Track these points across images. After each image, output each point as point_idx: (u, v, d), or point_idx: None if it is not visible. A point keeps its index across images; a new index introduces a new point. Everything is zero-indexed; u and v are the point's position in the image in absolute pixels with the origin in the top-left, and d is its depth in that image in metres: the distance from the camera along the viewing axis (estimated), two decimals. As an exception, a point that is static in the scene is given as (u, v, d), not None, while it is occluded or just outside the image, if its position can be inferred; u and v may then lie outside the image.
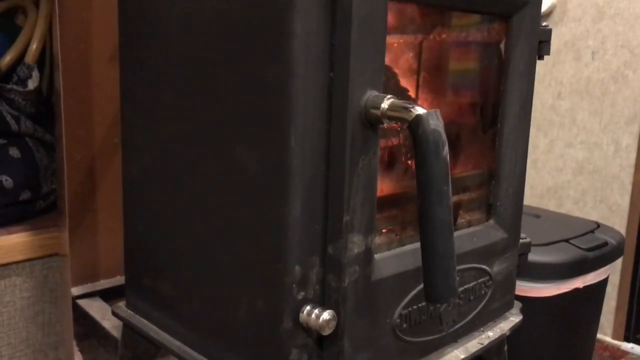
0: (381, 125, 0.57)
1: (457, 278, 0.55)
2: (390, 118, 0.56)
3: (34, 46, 1.03)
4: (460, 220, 0.75)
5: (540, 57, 0.78)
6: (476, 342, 0.74)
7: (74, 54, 0.90)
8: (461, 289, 0.71)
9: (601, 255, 1.17)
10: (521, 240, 0.80)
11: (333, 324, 0.57)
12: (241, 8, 0.59)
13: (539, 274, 1.11)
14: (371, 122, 0.57)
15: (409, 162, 0.68)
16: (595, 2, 1.76)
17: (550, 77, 1.89)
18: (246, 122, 0.59)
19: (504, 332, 0.77)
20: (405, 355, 0.66)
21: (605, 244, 1.20)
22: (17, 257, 0.90)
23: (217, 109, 0.62)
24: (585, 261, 1.14)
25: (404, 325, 0.64)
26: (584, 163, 1.83)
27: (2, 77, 1.02)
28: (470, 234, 0.73)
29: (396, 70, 0.69)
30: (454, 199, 0.73)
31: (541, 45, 0.77)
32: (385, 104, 0.56)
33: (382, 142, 0.64)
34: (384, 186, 0.66)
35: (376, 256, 0.62)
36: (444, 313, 0.69)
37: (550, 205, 1.90)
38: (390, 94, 0.56)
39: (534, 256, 1.08)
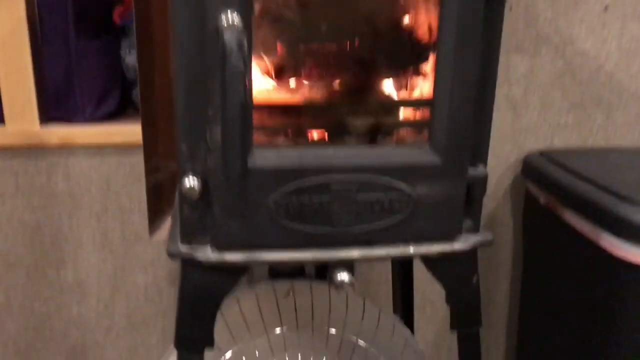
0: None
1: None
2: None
3: None
4: (388, 139, 0.80)
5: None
6: (383, 250, 0.80)
7: None
8: (360, 197, 0.78)
9: None
10: (472, 171, 0.80)
11: (194, 192, 0.75)
12: None
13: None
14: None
15: (311, 71, 0.78)
16: None
17: None
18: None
19: (428, 252, 0.80)
20: (287, 237, 0.78)
21: None
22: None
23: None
24: None
25: (282, 211, 0.77)
26: None
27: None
28: (385, 152, 0.78)
29: None
30: (377, 118, 0.80)
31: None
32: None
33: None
34: (274, 94, 0.78)
35: (256, 149, 0.76)
36: (334, 212, 0.78)
37: None
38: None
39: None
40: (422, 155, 0.78)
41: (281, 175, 0.76)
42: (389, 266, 1.34)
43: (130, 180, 1.27)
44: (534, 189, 1.30)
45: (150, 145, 1.04)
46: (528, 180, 1.33)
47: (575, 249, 1.15)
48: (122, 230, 1.30)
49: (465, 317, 0.88)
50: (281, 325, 1.05)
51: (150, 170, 1.05)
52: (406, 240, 0.81)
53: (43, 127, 1.23)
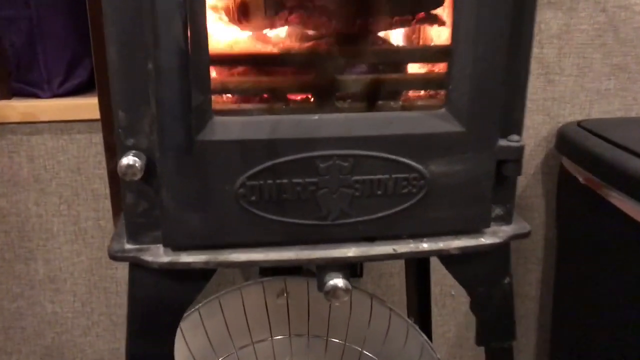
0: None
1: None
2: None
3: None
4: (393, 102, 0.59)
5: None
6: (388, 247, 0.59)
7: None
8: (357, 178, 0.57)
9: None
10: (504, 143, 0.59)
11: (135, 171, 0.55)
12: None
13: None
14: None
15: (290, 14, 0.57)
16: None
17: None
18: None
19: (447, 249, 0.59)
20: (261, 232, 0.58)
21: None
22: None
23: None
24: None
25: (252, 198, 0.57)
26: None
27: None
28: (388, 118, 0.57)
29: None
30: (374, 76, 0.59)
31: None
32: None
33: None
34: (241, 44, 0.57)
35: (218, 117, 0.56)
36: (322, 198, 0.57)
37: None
38: None
39: None
40: (437, 122, 0.57)
41: (251, 150, 0.56)
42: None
43: (104, 162, 1.08)
44: (570, 166, 1.08)
45: (110, 119, 0.84)
46: (564, 155, 1.11)
47: (622, 234, 0.93)
48: (97, 219, 1.11)
49: (495, 329, 0.67)
50: (270, 332, 0.86)
51: (112, 149, 0.85)
52: (418, 234, 0.60)
53: (2, 103, 1.04)
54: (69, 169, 1.08)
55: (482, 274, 0.64)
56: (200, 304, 0.86)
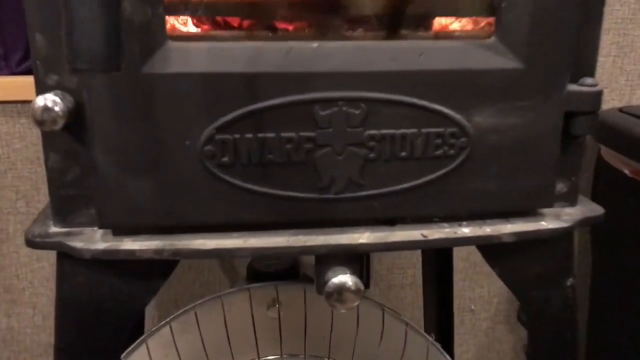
0: None
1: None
2: None
3: None
4: (421, 28, 0.42)
5: None
6: (415, 232, 0.41)
7: None
8: (371, 132, 0.40)
9: None
10: (574, 87, 0.42)
11: (54, 116, 0.38)
12: None
13: None
14: None
15: None
16: None
17: None
18: None
19: (496, 235, 0.42)
20: (237, 206, 0.40)
21: None
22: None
23: None
24: None
25: (224, 159, 0.39)
26: None
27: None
28: (416, 48, 0.40)
29: None
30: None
31: None
32: None
33: None
34: None
35: (173, 43, 0.39)
36: (322, 161, 0.40)
37: None
38: None
39: None
40: (485, 54, 0.40)
41: (222, 89, 0.38)
42: (416, 255, 0.96)
43: (67, 150, 0.91)
44: (613, 158, 0.91)
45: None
46: (604, 145, 0.94)
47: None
48: (60, 217, 0.94)
49: (553, 348, 0.49)
50: (257, 352, 0.68)
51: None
52: (456, 215, 0.42)
53: (-52, 79, 0.88)
54: (27, 158, 0.91)
55: (539, 271, 0.47)
56: (172, 316, 0.69)
